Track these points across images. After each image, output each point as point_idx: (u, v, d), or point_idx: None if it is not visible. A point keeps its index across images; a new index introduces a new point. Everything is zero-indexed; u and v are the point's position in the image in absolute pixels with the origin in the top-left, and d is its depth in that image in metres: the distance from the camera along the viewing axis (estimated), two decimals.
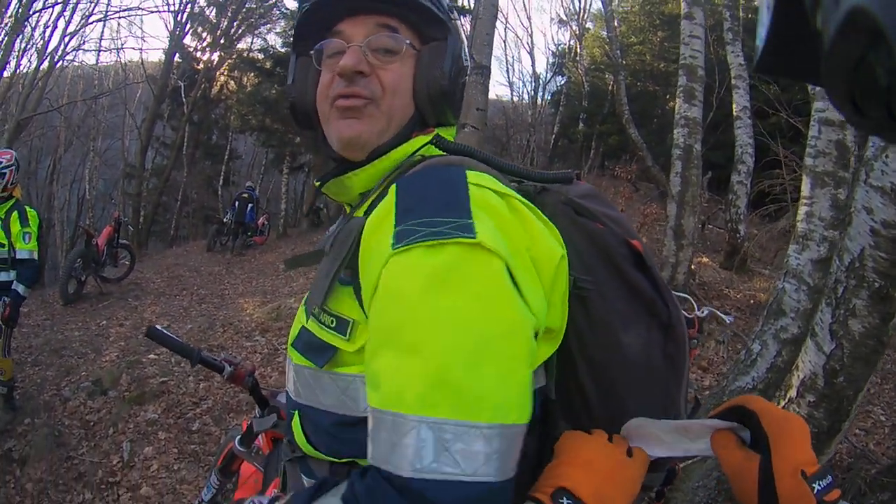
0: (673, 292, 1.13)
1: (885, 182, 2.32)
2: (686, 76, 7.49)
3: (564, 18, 29.02)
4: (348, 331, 0.97)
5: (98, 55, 24.62)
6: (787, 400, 2.75)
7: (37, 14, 18.32)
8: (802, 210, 4.22)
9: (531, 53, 36.59)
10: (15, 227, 5.25)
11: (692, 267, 7.52)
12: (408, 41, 1.09)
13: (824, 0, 0.45)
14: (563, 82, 27.93)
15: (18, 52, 18.49)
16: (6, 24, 16.27)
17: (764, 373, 3.47)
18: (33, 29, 18.74)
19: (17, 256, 5.24)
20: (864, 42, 0.41)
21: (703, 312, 1.31)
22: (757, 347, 3.60)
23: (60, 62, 20.79)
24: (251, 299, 9.70)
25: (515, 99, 31.53)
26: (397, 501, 0.74)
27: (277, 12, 27.99)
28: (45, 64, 19.07)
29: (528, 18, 73.85)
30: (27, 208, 5.43)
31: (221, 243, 16.83)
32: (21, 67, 19.96)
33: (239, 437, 2.32)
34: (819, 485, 0.86)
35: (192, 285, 12.20)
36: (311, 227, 21.51)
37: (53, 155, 27.86)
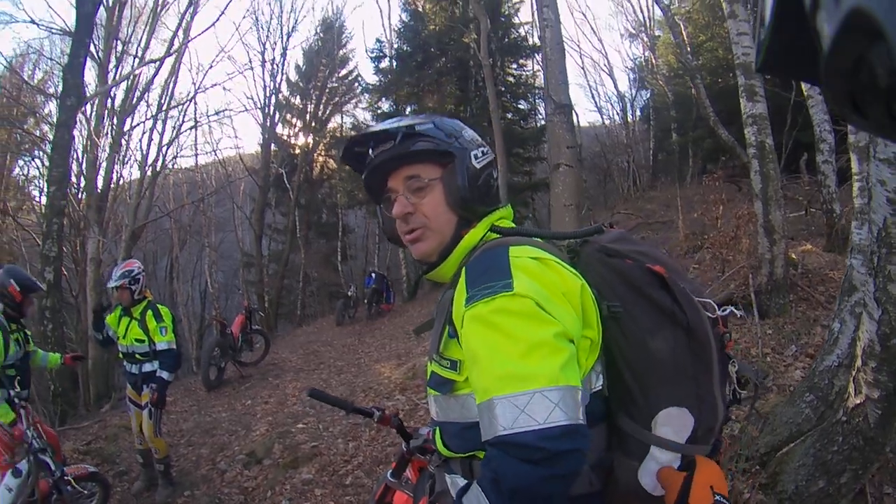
0: (696, 299, 1.53)
1: (889, 153, 2.55)
2: (744, 75, 7.55)
3: (633, 31, 29.08)
4: (458, 368, 1.52)
5: (196, 157, 26.48)
6: (855, 370, 2.94)
7: (131, 131, 20.44)
8: (856, 186, 4.35)
9: (611, 74, 36.58)
10: (151, 323, 6.00)
11: (793, 257, 7.52)
12: (428, 179, 1.65)
13: (824, 0, 0.48)
14: (648, 96, 27.89)
15: (120, 167, 20.36)
16: (105, 145, 18.00)
17: (847, 349, 3.54)
18: (128, 142, 20.68)
19: (157, 348, 6.00)
20: (864, 42, 0.44)
21: (724, 311, 1.58)
22: (837, 326, 3.67)
23: (162, 171, 22.77)
24: (387, 363, 10.26)
25: (607, 122, 31.50)
26: (501, 455, 1.23)
27: (359, 87, 30.08)
28: (148, 173, 20.93)
29: (600, 40, 73.31)
30: (159, 306, 6.17)
31: (350, 316, 17.99)
32: (123, 179, 22.04)
33: (390, 471, 2.84)
34: (720, 498, 1.38)
35: (328, 358, 12.97)
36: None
37: (170, 254, 29.80)
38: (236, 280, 31.56)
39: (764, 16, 0.59)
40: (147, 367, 6.02)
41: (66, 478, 4.77)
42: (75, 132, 11.47)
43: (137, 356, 6.02)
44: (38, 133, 21.17)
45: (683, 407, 1.47)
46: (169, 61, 19.90)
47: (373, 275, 19.05)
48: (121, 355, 6.16)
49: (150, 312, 6.03)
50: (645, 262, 1.54)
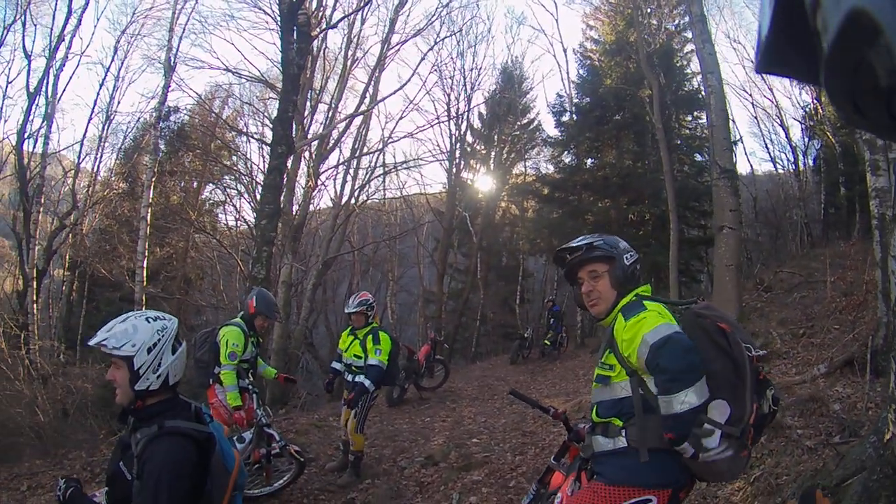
0: (742, 343, 2.69)
1: None
2: (869, 150, 7.69)
3: None
4: (613, 369, 2.89)
5: (384, 196, 28.54)
6: (890, 410, 3.71)
7: (326, 172, 22.87)
8: None
9: (781, 124, 35.26)
10: (369, 344, 7.33)
11: None
12: (601, 271, 3.04)
13: (824, 0, 0.50)
14: (819, 146, 26.96)
15: (315, 203, 22.85)
16: (304, 181, 20.38)
17: None
18: (323, 183, 23.09)
19: (368, 363, 7.31)
20: (864, 42, 0.46)
21: (760, 352, 2.71)
22: None
23: (354, 210, 25.17)
24: (556, 398, 11.17)
25: (781, 171, 30.44)
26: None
27: (539, 137, 31.61)
28: (341, 213, 23.42)
29: (770, 88, 70.52)
30: (380, 332, 7.52)
31: (524, 356, 19.02)
32: (318, 215, 24.59)
33: (553, 456, 4.00)
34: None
35: (501, 391, 14.03)
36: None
37: (350, 281, 32.46)
38: (412, 314, 33.37)
39: (763, 15, 0.62)
40: (360, 378, 7.32)
41: (279, 448, 6.22)
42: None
43: (354, 368, 7.39)
44: (227, 163, 24.50)
45: (724, 400, 2.64)
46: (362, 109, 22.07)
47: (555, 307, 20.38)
48: (344, 366, 7.57)
49: (370, 336, 7.36)
50: (717, 322, 2.79)
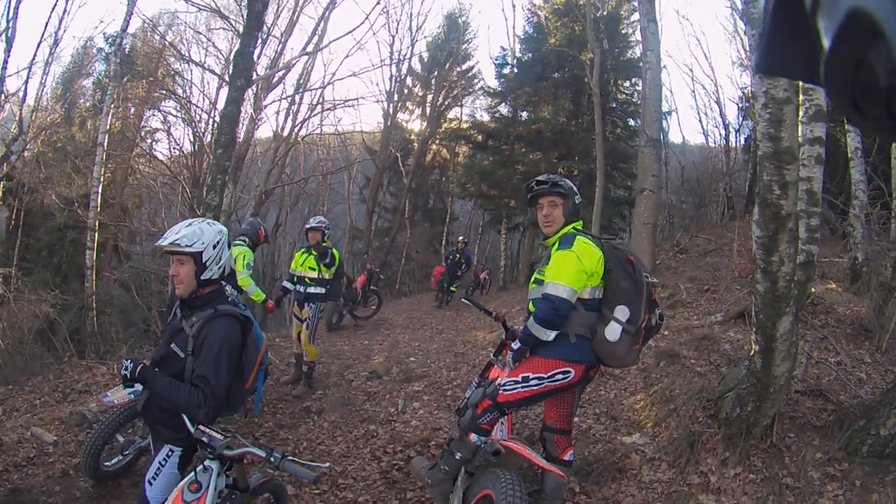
0: (643, 271, 4.20)
1: None
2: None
3: (746, 63, 29.60)
4: (543, 274, 4.26)
5: (321, 131, 29.24)
6: (752, 333, 5.12)
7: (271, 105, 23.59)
8: None
9: (718, 102, 36.82)
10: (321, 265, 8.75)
11: (812, 290, 8.57)
12: (558, 202, 4.35)
13: (824, 0, 0.51)
14: (752, 127, 28.54)
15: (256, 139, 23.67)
16: (246, 116, 20.94)
17: None
18: (266, 114, 23.88)
19: (324, 278, 8.75)
20: (864, 42, 0.47)
21: (652, 279, 4.15)
22: None
23: (294, 144, 26.09)
24: (481, 331, 12.54)
25: (713, 145, 32.12)
26: (543, 301, 4.07)
27: (478, 83, 32.81)
28: (282, 145, 24.30)
29: (711, 68, 73.95)
30: (333, 249, 8.89)
31: (446, 302, 19.43)
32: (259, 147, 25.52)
33: (493, 352, 5.15)
34: None
35: (429, 323, 15.84)
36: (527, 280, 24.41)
37: (279, 212, 33.34)
38: (341, 250, 34.21)
39: (763, 16, 0.64)
40: (311, 290, 8.66)
41: None
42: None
43: (307, 280, 8.66)
44: (177, 91, 25.07)
45: (626, 306, 4.07)
46: (309, 48, 22.76)
47: (467, 251, 20.56)
48: (295, 279, 8.81)
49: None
50: (628, 255, 4.22)
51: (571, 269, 4.01)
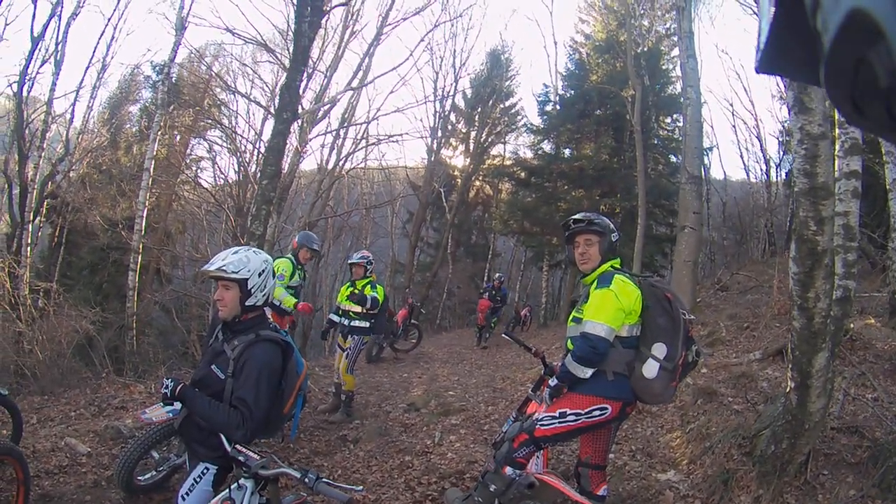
0: (680, 309, 4.20)
1: None
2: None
3: (784, 96, 29.06)
4: (582, 313, 4.30)
5: (365, 165, 29.61)
6: (788, 369, 5.03)
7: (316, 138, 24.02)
8: None
9: (758, 137, 36.37)
10: (367, 290, 8.77)
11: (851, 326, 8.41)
12: (594, 240, 4.38)
13: (824, 1, 0.51)
14: (792, 162, 28.01)
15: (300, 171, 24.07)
16: (291, 148, 21.23)
17: None
18: (311, 149, 24.19)
19: (368, 311, 8.76)
20: (864, 42, 0.47)
21: (689, 317, 4.18)
22: None
23: (338, 177, 26.50)
24: (520, 369, 12.42)
25: (754, 180, 31.73)
26: (581, 339, 4.15)
27: (521, 120, 32.81)
28: (326, 179, 24.60)
29: (751, 102, 73.71)
30: (378, 285, 8.97)
31: (485, 338, 18.76)
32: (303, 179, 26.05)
33: (531, 388, 5.10)
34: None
35: (469, 358, 15.84)
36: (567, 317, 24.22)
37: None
38: (384, 284, 34.30)
39: (763, 16, 0.65)
40: (355, 323, 8.71)
41: None
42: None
43: (351, 314, 8.73)
44: (224, 121, 25.62)
45: (663, 343, 4.08)
46: (354, 83, 23.24)
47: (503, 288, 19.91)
48: (340, 312, 8.91)
49: (368, 287, 8.77)
50: (665, 292, 4.23)
51: (610, 307, 4.09)
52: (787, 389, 4.90)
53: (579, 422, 4.21)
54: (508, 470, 4.36)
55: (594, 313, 4.11)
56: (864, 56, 0.48)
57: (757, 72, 0.71)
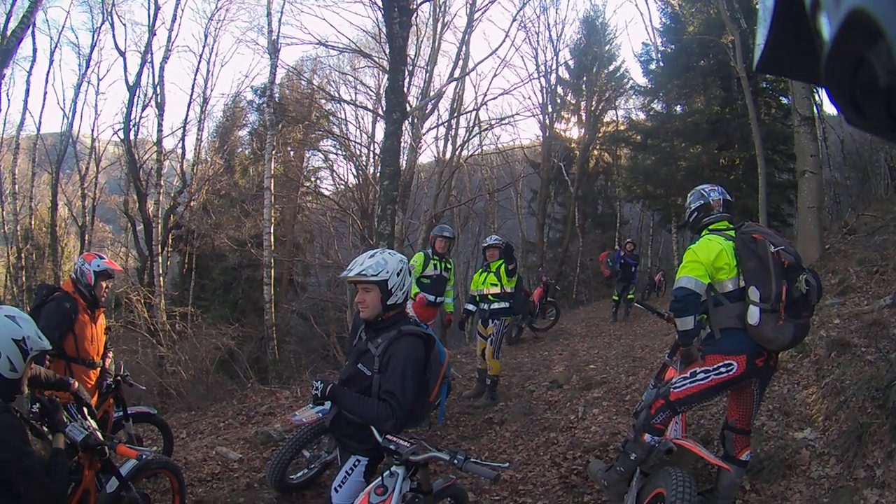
0: (771, 245, 4.24)
1: None
2: None
3: None
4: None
5: (481, 151, 29.85)
6: None
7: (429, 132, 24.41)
8: None
9: None
10: (503, 274, 8.86)
11: None
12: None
13: (824, 1, 0.52)
14: None
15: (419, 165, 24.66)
16: (406, 146, 21.85)
17: None
18: (426, 143, 24.80)
19: (507, 290, 8.88)
20: (864, 42, 0.47)
21: (777, 248, 4.18)
22: None
23: (457, 167, 26.86)
24: (658, 336, 12.28)
25: None
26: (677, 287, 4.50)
27: (628, 83, 32.57)
28: (445, 169, 25.09)
29: None
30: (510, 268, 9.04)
31: (624, 315, 17.97)
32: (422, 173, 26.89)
33: (668, 354, 5.17)
34: None
35: (607, 330, 15.84)
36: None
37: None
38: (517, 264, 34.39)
39: (763, 16, 0.66)
40: (495, 306, 8.84)
41: None
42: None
43: (490, 297, 8.85)
44: (335, 131, 26.45)
45: (755, 286, 4.22)
46: (456, 73, 23.46)
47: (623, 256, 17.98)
48: (478, 299, 9.06)
49: (503, 268, 8.84)
50: (752, 234, 4.34)
51: (688, 261, 4.43)
52: None
53: (709, 379, 4.29)
54: (647, 437, 4.43)
55: (679, 270, 4.51)
56: (864, 56, 0.49)
57: (757, 71, 0.74)
